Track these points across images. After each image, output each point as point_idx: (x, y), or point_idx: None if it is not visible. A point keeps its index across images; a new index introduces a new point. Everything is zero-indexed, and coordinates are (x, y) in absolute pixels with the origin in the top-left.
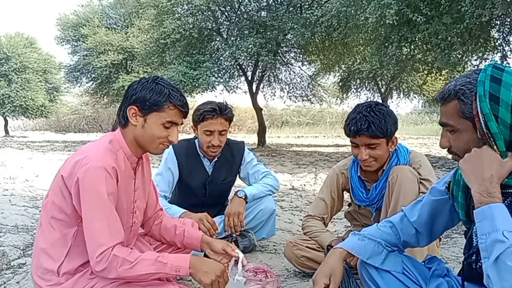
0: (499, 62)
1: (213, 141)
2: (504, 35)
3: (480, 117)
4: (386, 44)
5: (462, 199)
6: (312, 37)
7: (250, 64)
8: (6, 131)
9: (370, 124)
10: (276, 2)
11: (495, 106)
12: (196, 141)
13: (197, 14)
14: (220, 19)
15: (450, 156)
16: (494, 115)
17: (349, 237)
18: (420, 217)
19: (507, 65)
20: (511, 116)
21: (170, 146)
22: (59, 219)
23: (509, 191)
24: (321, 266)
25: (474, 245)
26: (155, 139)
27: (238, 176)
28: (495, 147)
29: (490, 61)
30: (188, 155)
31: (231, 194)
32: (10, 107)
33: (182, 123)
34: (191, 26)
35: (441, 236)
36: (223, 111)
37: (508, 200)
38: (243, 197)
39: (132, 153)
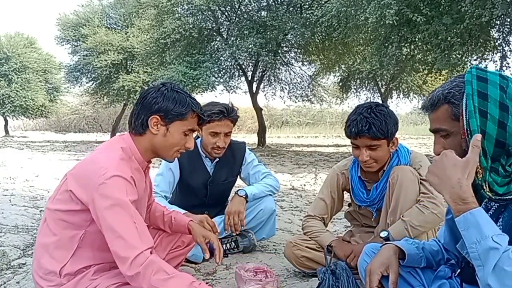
0: (499, 62)
1: (218, 142)
2: (504, 35)
3: (464, 115)
4: (386, 44)
5: None
6: (312, 37)
7: (250, 64)
8: (6, 131)
9: (371, 126)
10: (276, 2)
11: (483, 102)
12: (198, 141)
13: (197, 14)
14: (220, 19)
15: None
16: (483, 111)
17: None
18: (445, 238)
19: (506, 65)
20: (500, 112)
21: None
22: (66, 221)
23: (507, 197)
24: (376, 258)
25: None
26: (174, 147)
27: (238, 176)
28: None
29: (490, 61)
30: (189, 155)
31: (232, 194)
32: (10, 107)
33: (195, 131)
34: (191, 26)
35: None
36: (230, 114)
37: (496, 205)
38: (244, 196)
39: (144, 159)
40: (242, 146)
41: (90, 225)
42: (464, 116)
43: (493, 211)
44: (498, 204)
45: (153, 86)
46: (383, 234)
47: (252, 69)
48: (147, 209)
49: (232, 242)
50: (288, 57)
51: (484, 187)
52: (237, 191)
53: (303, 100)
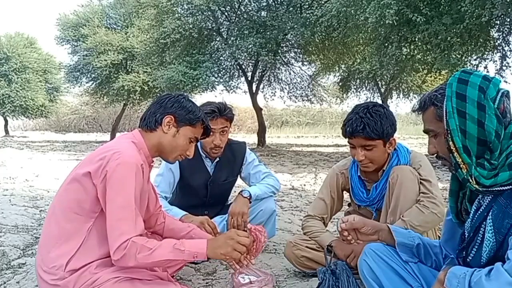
0: (498, 62)
1: (215, 141)
2: (504, 35)
3: (444, 116)
4: (386, 44)
5: (452, 202)
6: (312, 37)
7: (250, 64)
8: (6, 131)
9: (365, 126)
10: (276, 2)
11: (461, 103)
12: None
13: (197, 14)
14: (220, 19)
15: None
16: (461, 111)
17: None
18: (446, 238)
19: (506, 64)
20: (478, 111)
21: None
22: (75, 213)
23: (494, 189)
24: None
25: (464, 240)
26: (178, 150)
27: (239, 176)
28: (450, 143)
29: (490, 61)
30: None
31: (232, 193)
32: (10, 107)
33: (198, 141)
34: (191, 26)
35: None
36: (222, 112)
37: (489, 196)
38: (248, 197)
39: (150, 155)
40: (243, 146)
41: (99, 216)
42: (445, 117)
43: (484, 207)
44: (488, 200)
45: (171, 94)
46: None
47: (252, 69)
48: (157, 219)
49: None
50: (288, 57)
51: (470, 180)
52: (241, 191)
53: (303, 100)
